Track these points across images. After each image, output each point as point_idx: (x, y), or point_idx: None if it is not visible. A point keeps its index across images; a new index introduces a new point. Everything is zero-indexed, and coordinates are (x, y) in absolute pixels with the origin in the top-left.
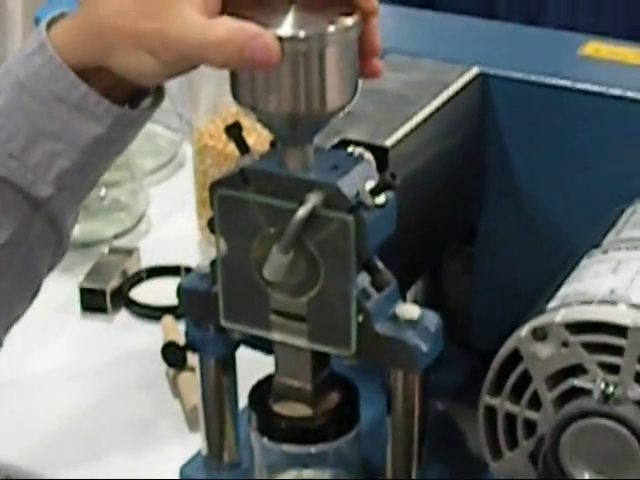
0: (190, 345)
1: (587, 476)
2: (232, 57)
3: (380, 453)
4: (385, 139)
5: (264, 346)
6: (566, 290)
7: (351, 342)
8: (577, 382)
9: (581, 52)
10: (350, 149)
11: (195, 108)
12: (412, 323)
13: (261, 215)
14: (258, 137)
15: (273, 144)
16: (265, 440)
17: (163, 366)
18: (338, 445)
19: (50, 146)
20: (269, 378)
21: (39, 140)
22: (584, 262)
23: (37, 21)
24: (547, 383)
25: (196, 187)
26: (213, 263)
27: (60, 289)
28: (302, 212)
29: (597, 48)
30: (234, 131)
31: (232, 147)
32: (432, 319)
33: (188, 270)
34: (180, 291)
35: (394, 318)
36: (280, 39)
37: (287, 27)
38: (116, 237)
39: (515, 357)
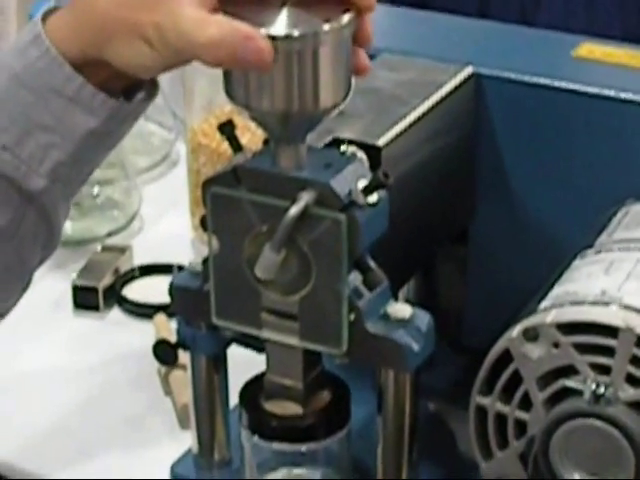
0: (181, 343)
1: (577, 477)
2: (224, 58)
3: (371, 452)
4: (378, 138)
5: (255, 344)
6: (558, 290)
7: (342, 341)
8: (568, 383)
9: (575, 53)
10: (343, 148)
11: (189, 107)
12: (403, 322)
13: (253, 213)
14: (252, 136)
15: (266, 142)
16: (256, 438)
17: (155, 364)
18: (329, 444)
19: (45, 138)
20: (260, 376)
21: (34, 132)
22: (576, 263)
23: (31, 18)
24: (538, 383)
25: (189, 186)
26: (205, 261)
27: (53, 286)
28: (294, 210)
29: (591, 49)
30: (227, 129)
31: (226, 146)
32: (423, 318)
33: (180, 268)
34: (172, 289)
35: (385, 317)
36: (274, 38)
37: (281, 25)
38: (109, 235)
39: (506, 357)
